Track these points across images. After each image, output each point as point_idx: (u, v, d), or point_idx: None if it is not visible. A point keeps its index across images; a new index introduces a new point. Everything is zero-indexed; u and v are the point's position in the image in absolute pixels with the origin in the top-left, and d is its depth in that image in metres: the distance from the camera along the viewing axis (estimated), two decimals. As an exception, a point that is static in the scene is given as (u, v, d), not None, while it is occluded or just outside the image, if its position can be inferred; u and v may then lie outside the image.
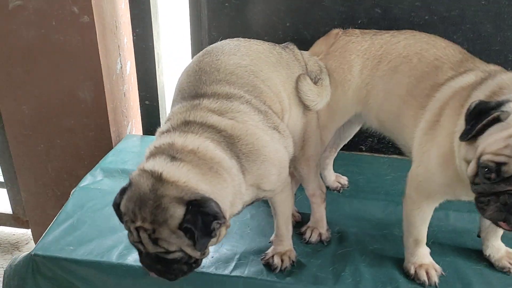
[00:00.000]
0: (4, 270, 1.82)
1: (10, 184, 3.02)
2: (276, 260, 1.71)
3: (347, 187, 2.25)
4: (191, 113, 1.42)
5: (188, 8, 2.44)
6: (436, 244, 1.88)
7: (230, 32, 2.48)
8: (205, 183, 1.30)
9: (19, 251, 3.24)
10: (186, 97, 1.51)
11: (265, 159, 1.43)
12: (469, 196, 1.48)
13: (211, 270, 1.71)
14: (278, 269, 1.69)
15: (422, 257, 1.70)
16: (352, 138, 2.26)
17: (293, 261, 1.73)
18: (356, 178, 2.32)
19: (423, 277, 1.66)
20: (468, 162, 1.35)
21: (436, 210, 1.99)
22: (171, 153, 1.32)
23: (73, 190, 2.18)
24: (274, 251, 1.73)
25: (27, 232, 3.23)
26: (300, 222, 1.99)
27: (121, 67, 2.57)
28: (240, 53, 1.61)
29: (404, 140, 1.75)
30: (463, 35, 2.30)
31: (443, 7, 2.27)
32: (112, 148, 2.55)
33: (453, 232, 1.96)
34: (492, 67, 1.59)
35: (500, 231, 1.76)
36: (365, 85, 1.82)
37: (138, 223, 1.29)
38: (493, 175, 1.25)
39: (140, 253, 1.41)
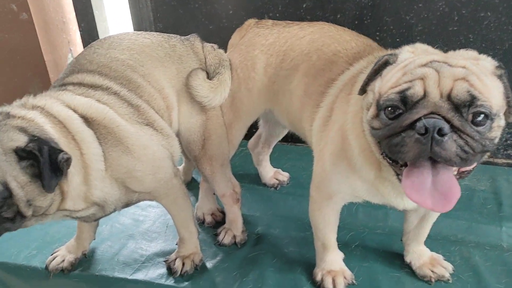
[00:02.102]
0: None
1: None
2: (177, 264, 1.63)
3: (287, 183, 2.12)
4: (58, 90, 1.40)
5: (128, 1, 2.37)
6: (359, 247, 1.73)
7: (175, 23, 2.40)
8: (51, 130, 1.23)
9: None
10: (54, 86, 1.47)
11: (127, 151, 1.34)
12: (371, 194, 1.35)
13: (112, 273, 1.66)
14: (178, 273, 1.62)
15: (331, 263, 1.57)
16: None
17: (196, 265, 1.65)
18: (299, 174, 2.17)
19: (328, 284, 1.53)
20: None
21: (376, 209, 1.84)
22: (22, 104, 1.31)
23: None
24: (177, 254, 1.66)
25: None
26: (223, 222, 1.90)
27: (74, 62, 2.56)
28: (121, 47, 1.53)
29: (308, 141, 1.60)
30: (416, 15, 2.07)
31: (391, -15, 2.07)
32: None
33: (386, 235, 1.80)
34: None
35: (423, 235, 1.59)
36: (272, 84, 1.66)
37: None
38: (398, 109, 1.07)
39: None
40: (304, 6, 2.20)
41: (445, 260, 1.60)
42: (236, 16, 2.30)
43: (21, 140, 1.16)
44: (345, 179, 1.35)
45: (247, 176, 2.18)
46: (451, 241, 1.73)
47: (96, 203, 1.36)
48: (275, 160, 2.19)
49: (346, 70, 1.42)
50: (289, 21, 1.75)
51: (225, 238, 1.77)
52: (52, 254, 1.71)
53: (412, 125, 1.05)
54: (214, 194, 1.90)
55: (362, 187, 1.32)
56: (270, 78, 1.65)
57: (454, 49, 1.23)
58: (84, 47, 2.53)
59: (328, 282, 1.53)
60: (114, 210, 1.46)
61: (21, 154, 1.15)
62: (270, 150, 2.08)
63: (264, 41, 1.66)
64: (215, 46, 1.73)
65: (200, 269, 1.66)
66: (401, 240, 1.65)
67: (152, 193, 1.48)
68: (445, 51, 1.23)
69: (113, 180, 1.36)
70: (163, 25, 2.40)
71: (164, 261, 1.69)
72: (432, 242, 1.65)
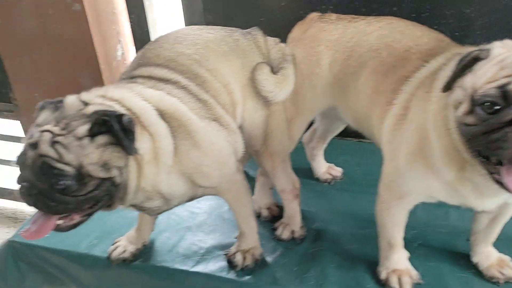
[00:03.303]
0: (-10, 254, 1.91)
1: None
2: (238, 258, 1.63)
3: (341, 179, 2.10)
4: (127, 83, 1.41)
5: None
6: (423, 246, 1.70)
7: (226, 14, 2.38)
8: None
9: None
10: (122, 79, 1.48)
11: (196, 145, 1.34)
12: (448, 195, 1.32)
13: (173, 265, 1.67)
14: (239, 267, 1.62)
15: (396, 262, 1.54)
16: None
17: (257, 259, 1.64)
18: (353, 169, 2.15)
19: (394, 283, 1.51)
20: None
21: (435, 207, 1.80)
22: (101, 95, 1.31)
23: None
24: (238, 248, 1.65)
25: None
26: (279, 217, 1.89)
27: (123, 53, 2.57)
28: (186, 42, 1.52)
29: (376, 140, 1.57)
30: (477, 9, 2.01)
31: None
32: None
33: (448, 234, 1.76)
34: (469, 48, 1.36)
35: (493, 236, 1.55)
36: (338, 81, 1.63)
37: (46, 127, 1.19)
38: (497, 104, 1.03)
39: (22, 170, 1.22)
40: (358, -1, 2.16)
41: (512, 261, 1.56)
42: (288, 8, 2.27)
43: (89, 123, 1.20)
44: (421, 179, 1.32)
45: (299, 170, 2.14)
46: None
47: (163, 195, 1.37)
48: (327, 154, 2.16)
49: (422, 67, 1.38)
50: (354, 16, 1.71)
51: (284, 233, 1.76)
52: (113, 244, 1.73)
53: None
54: (270, 188, 1.89)
55: (439, 188, 1.29)
56: (335, 74, 1.62)
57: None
58: (134, 39, 2.55)
59: (394, 281, 1.51)
60: (178, 204, 1.46)
61: (94, 130, 1.19)
62: (325, 145, 2.06)
63: (330, 37, 1.63)
64: (277, 40, 1.71)
65: (260, 263, 1.65)
66: (468, 240, 1.62)
67: (217, 188, 1.48)
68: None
69: (180, 174, 1.36)
70: (212, 16, 2.39)
71: (224, 254, 1.69)
72: (499, 243, 1.61)
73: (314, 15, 1.76)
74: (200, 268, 1.66)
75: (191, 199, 1.47)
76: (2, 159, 3.53)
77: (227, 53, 1.55)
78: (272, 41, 1.68)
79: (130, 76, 1.46)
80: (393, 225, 1.50)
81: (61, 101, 1.27)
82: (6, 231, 3.38)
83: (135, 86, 1.36)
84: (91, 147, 1.18)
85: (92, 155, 1.18)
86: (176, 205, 1.45)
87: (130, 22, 2.47)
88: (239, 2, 2.32)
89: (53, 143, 1.17)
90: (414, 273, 1.54)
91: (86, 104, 1.25)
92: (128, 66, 1.55)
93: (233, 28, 1.67)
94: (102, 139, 1.19)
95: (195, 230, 1.84)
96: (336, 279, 1.58)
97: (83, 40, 2.34)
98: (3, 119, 3.22)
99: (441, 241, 1.73)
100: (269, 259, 1.69)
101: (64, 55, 2.44)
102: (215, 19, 2.38)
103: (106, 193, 1.25)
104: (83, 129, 1.18)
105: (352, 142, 2.38)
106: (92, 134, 1.19)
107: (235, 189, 1.52)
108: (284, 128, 1.67)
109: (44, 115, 1.25)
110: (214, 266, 1.66)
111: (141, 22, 2.44)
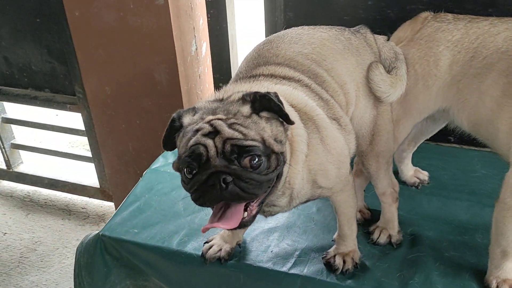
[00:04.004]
0: (77, 247, 1.91)
1: (97, 160, 3.20)
2: (338, 261, 1.60)
3: (428, 183, 2.05)
4: (250, 80, 1.40)
5: (263, -13, 2.34)
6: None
7: (307, 12, 2.35)
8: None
9: (105, 223, 3.48)
10: (242, 78, 1.46)
11: (322, 141, 1.32)
12: None
13: (269, 265, 1.65)
14: (340, 270, 1.59)
15: (508, 272, 1.49)
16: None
17: (356, 263, 1.61)
18: (439, 174, 2.10)
19: (506, 294, 1.46)
20: None
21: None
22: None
23: (144, 172, 2.24)
24: (337, 251, 1.62)
25: (113, 205, 3.42)
26: (370, 220, 1.85)
27: (196, 49, 2.55)
28: (302, 41, 1.50)
29: (497, 144, 1.51)
30: None
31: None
32: (187, 130, 2.57)
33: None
34: None
35: None
36: (456, 82, 1.58)
37: (209, 118, 1.18)
38: None
39: (200, 171, 1.16)
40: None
41: None
42: (374, 7, 2.22)
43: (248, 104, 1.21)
44: None
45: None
46: None
47: (292, 192, 1.35)
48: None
49: None
50: (473, 16, 1.66)
51: (381, 237, 1.72)
52: (206, 242, 1.71)
53: None
54: (364, 191, 1.85)
55: None
56: (454, 76, 1.57)
57: None
58: (210, 34, 2.52)
59: (505, 291, 1.47)
60: (295, 207, 1.44)
61: (256, 106, 1.19)
62: (415, 148, 2.01)
63: (450, 37, 1.58)
64: (386, 37, 1.67)
65: (359, 267, 1.62)
66: None
67: (332, 189, 1.45)
68: None
69: (308, 171, 1.33)
70: (293, 14, 2.35)
71: (322, 257, 1.65)
72: None
73: (426, 14, 1.72)
74: (298, 270, 1.63)
75: (307, 200, 1.44)
76: (59, 151, 3.57)
77: (343, 51, 1.52)
78: (381, 39, 1.64)
79: (250, 75, 1.43)
80: None
81: (194, 108, 1.26)
82: (61, 223, 3.42)
83: (262, 82, 1.33)
84: (262, 121, 1.19)
85: (266, 129, 1.18)
86: (293, 207, 1.42)
87: (208, 17, 2.44)
88: (322, 0, 2.28)
89: (231, 125, 1.15)
90: (526, 284, 1.49)
91: (223, 99, 1.23)
92: (242, 66, 1.53)
93: (342, 27, 1.64)
94: (265, 114, 1.20)
95: (286, 231, 1.81)
96: (443, 287, 1.54)
97: (162, 35, 2.33)
98: (65, 111, 3.25)
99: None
100: (368, 263, 1.65)
101: (141, 49, 2.43)
102: (296, 16, 2.34)
103: (278, 173, 1.22)
104: (246, 108, 1.19)
105: (432, 145, 2.32)
106: (256, 111, 1.19)
107: (347, 190, 1.49)
108: (390, 129, 1.63)
109: (188, 118, 1.23)
110: (312, 268, 1.63)
111: (220, 18, 2.41)
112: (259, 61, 1.48)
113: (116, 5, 2.34)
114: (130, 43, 2.43)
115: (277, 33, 1.60)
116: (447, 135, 2.36)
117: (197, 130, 1.17)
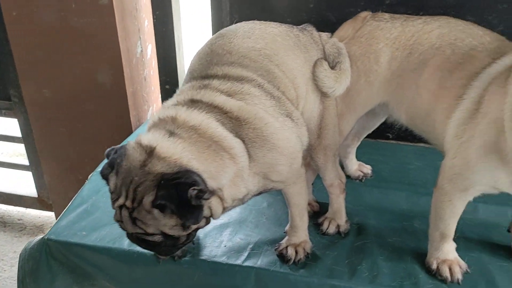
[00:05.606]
0: (20, 253, 1.83)
1: (35, 168, 3.07)
2: (290, 252, 1.64)
3: (370, 176, 2.16)
4: (199, 92, 1.39)
5: (208, -10, 2.37)
6: (461, 238, 1.77)
7: (251, 14, 2.41)
8: (199, 161, 1.25)
9: (44, 234, 3.32)
10: (196, 77, 1.47)
11: (272, 147, 1.36)
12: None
13: (223, 259, 1.66)
14: (292, 261, 1.63)
15: (446, 252, 1.61)
16: (379, 125, 2.15)
17: (307, 253, 1.66)
18: (379, 167, 2.22)
19: (446, 273, 1.57)
20: None
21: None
22: (171, 128, 1.29)
23: (90, 175, 2.18)
24: (289, 242, 1.67)
25: (52, 215, 3.28)
26: (318, 212, 1.92)
27: (142, 51, 2.53)
28: (254, 36, 1.54)
29: (434, 135, 1.63)
30: (499, 15, 2.14)
31: (477, -15, 2.13)
32: (132, 132, 2.54)
33: (481, 226, 1.85)
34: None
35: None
36: (396, 77, 1.69)
37: (121, 201, 1.27)
38: None
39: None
40: (387, 2, 2.24)
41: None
42: (316, 10, 2.32)
43: (153, 191, 1.23)
44: (491, 172, 1.38)
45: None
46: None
47: (240, 199, 1.40)
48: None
49: (493, 64, 1.45)
50: (408, 15, 1.78)
51: (330, 227, 1.79)
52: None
53: None
54: (312, 184, 1.92)
55: (506, 179, 1.36)
56: (394, 71, 1.67)
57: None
58: (155, 36, 2.52)
59: (445, 270, 1.57)
60: (250, 199, 1.47)
61: (159, 201, 1.23)
62: (359, 143, 2.11)
63: (389, 35, 1.69)
64: (329, 34, 1.76)
65: (311, 257, 1.68)
66: (508, 230, 1.71)
67: (285, 182, 1.50)
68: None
69: (255, 175, 1.38)
70: (239, 15, 2.40)
71: (275, 249, 1.69)
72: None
73: (366, 13, 1.82)
74: (251, 262, 1.65)
75: (260, 193, 1.48)
76: (-6, 160, 3.39)
77: (293, 47, 1.58)
78: (325, 36, 1.72)
79: (204, 76, 1.45)
80: (451, 216, 1.56)
81: (124, 148, 1.30)
82: (-5, 235, 3.23)
83: (218, 97, 1.36)
84: (163, 218, 1.25)
85: (169, 222, 1.27)
86: (248, 200, 1.46)
87: (154, 18, 2.44)
88: (266, 2, 2.35)
89: (134, 220, 1.28)
90: (462, 263, 1.61)
91: (150, 152, 1.25)
92: (195, 63, 1.55)
93: (289, 25, 1.70)
94: (170, 207, 1.23)
95: (239, 226, 1.84)
96: (388, 270, 1.62)
97: (107, 35, 2.30)
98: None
99: (477, 233, 1.81)
100: (318, 252, 1.71)
101: (83, 50, 2.38)
102: (241, 18, 2.37)
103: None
104: (148, 200, 1.23)
105: (372, 142, 2.45)
106: (158, 206, 1.23)
107: (299, 182, 1.54)
108: (336, 122, 1.71)
109: (113, 180, 1.29)
110: (265, 260, 1.66)
111: (166, 19, 2.41)
112: (212, 58, 1.49)
113: (57, 5, 2.28)
114: (72, 43, 2.37)
115: (229, 27, 1.62)
116: (386, 132, 2.50)
117: (115, 211, 1.33)
